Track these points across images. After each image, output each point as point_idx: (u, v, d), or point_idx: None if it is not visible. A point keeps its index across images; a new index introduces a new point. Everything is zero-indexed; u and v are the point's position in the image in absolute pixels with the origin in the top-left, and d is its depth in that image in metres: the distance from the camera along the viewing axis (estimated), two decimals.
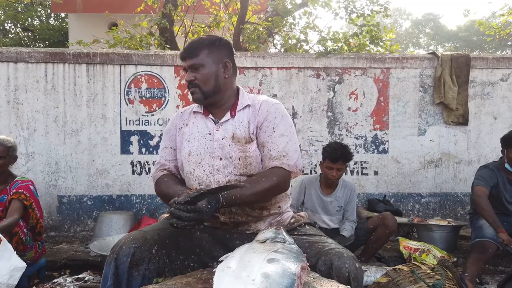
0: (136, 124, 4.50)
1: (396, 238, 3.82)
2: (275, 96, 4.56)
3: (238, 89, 1.81)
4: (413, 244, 3.53)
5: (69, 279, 2.50)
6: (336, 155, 3.10)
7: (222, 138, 1.68)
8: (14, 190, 2.84)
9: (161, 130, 4.47)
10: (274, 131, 1.67)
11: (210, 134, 1.71)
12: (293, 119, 4.56)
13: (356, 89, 4.62)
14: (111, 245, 3.14)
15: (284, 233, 1.40)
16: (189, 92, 1.78)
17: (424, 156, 4.63)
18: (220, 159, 1.67)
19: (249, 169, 1.66)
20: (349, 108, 4.61)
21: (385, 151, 4.62)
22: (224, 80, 1.72)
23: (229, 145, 1.66)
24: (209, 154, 1.68)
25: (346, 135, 4.59)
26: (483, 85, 4.68)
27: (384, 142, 4.61)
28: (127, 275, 1.39)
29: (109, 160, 4.48)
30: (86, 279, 2.51)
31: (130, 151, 4.49)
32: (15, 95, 4.41)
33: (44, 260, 3.14)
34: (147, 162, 4.49)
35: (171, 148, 1.83)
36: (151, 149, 4.49)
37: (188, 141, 1.74)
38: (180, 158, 1.77)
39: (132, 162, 4.50)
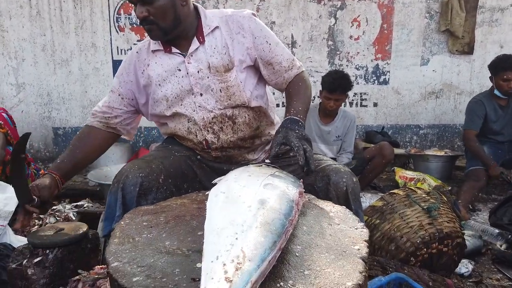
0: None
1: (392, 168, 3.85)
2: (273, 23, 4.33)
3: (196, 9, 1.54)
4: (409, 173, 3.56)
5: (68, 206, 2.53)
6: (334, 85, 3.00)
7: (198, 71, 1.50)
8: None
9: None
10: (269, 44, 1.52)
11: (180, 70, 1.51)
12: (291, 49, 4.37)
13: (359, 16, 4.37)
14: (108, 174, 3.18)
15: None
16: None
17: (425, 87, 4.52)
18: (201, 94, 1.52)
19: (233, 100, 1.52)
20: (350, 37, 4.40)
21: (385, 82, 4.49)
22: (182, 9, 1.44)
23: (208, 77, 1.50)
24: (187, 92, 1.52)
25: (347, 65, 4.43)
26: (492, 11, 4.43)
27: (385, 73, 4.47)
28: (135, 205, 1.36)
29: (102, 91, 4.36)
30: (84, 206, 2.54)
31: None
32: None
33: None
34: None
35: (118, 95, 1.61)
36: None
37: (159, 84, 1.54)
38: (153, 104, 1.59)
39: None
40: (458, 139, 4.65)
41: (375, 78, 4.48)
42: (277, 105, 4.09)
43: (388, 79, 4.48)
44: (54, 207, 2.55)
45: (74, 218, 2.35)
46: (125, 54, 4.29)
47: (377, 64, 4.45)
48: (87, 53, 4.28)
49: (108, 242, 1.01)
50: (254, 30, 1.51)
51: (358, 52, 4.42)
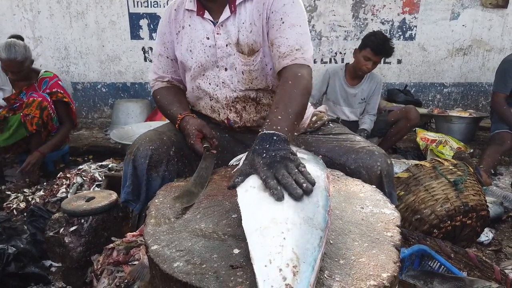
0: (145, 6, 4.18)
1: (414, 129, 3.78)
2: None
3: None
4: (430, 135, 3.51)
5: (93, 166, 2.59)
6: (382, 48, 2.85)
7: (226, 45, 1.41)
8: (48, 91, 2.83)
9: None
10: (282, 22, 1.34)
11: (208, 38, 1.43)
12: (314, 1, 4.16)
13: None
14: (130, 134, 3.22)
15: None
16: None
17: (453, 43, 4.32)
18: (226, 69, 1.44)
19: (255, 84, 1.44)
20: None
21: (411, 38, 4.30)
22: None
23: (234, 55, 1.41)
24: (213, 63, 1.44)
25: (372, 19, 4.22)
26: None
27: (412, 28, 4.26)
28: (146, 176, 1.38)
29: (119, 45, 4.30)
30: (109, 166, 2.60)
31: (141, 36, 4.27)
32: None
33: (67, 146, 3.24)
34: None
35: (167, 57, 1.56)
36: None
37: (190, 51, 1.47)
38: (183, 70, 1.54)
39: (143, 48, 4.31)
40: (483, 98, 4.51)
41: (400, 33, 4.27)
42: None
43: (415, 34, 4.28)
44: (80, 167, 2.62)
45: (100, 179, 2.42)
46: (141, 6, 4.16)
47: (404, 18, 4.23)
48: (103, 5, 4.17)
49: (143, 220, 1.03)
50: (276, 4, 1.36)
51: (385, 5, 4.19)
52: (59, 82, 2.93)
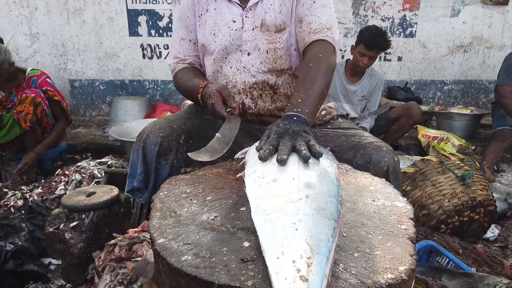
0: (143, 3, 4.13)
1: (415, 126, 3.77)
2: None
3: None
4: (432, 132, 3.49)
5: (92, 163, 2.55)
6: (374, 42, 2.82)
7: (253, 29, 1.42)
8: (38, 89, 2.76)
9: (171, 10, 4.13)
10: (314, 1, 1.37)
11: (234, 22, 1.44)
12: None
13: None
14: (129, 130, 3.18)
15: None
16: None
17: (454, 40, 4.30)
18: (248, 54, 1.45)
19: (278, 63, 1.45)
20: None
21: (412, 35, 4.28)
22: None
23: (258, 36, 1.42)
24: (236, 47, 1.45)
25: (372, 16, 4.20)
26: None
27: (413, 25, 4.24)
28: (155, 164, 1.37)
29: (117, 42, 4.25)
30: (108, 163, 2.56)
31: (139, 33, 4.23)
32: None
33: (65, 144, 3.20)
34: (157, 45, 4.25)
35: (190, 41, 1.55)
36: (160, 31, 4.21)
37: (214, 34, 1.47)
38: (203, 54, 1.54)
39: (142, 45, 4.27)
40: (483, 95, 4.49)
41: (401, 30, 4.25)
42: None
43: (415, 31, 4.26)
44: (79, 164, 2.58)
45: (99, 176, 2.38)
46: (139, 3, 4.12)
47: (404, 15, 4.21)
48: (101, 1, 4.12)
49: (144, 216, 1.00)
50: None
51: (385, 2, 4.17)
52: (48, 79, 2.87)
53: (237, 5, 1.44)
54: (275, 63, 1.45)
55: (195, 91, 1.38)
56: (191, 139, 1.45)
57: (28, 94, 2.62)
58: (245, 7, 1.43)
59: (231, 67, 1.48)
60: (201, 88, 1.35)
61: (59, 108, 2.89)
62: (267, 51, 1.43)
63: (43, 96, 2.71)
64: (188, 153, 1.13)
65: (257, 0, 1.42)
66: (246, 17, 1.43)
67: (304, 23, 1.37)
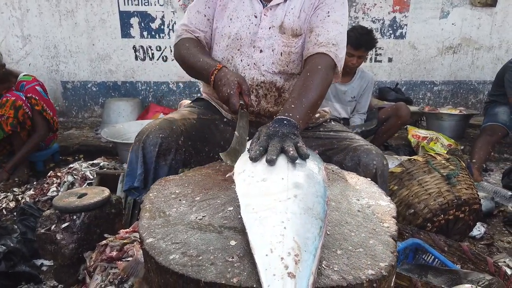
0: (135, 4, 4.14)
1: (405, 126, 3.81)
2: None
3: None
4: (422, 132, 3.54)
5: (84, 165, 2.56)
6: (360, 41, 2.85)
7: (269, 28, 1.44)
8: (23, 95, 2.74)
9: (163, 12, 4.15)
10: (328, 15, 1.41)
11: (256, 17, 1.46)
12: None
13: None
14: (121, 132, 3.19)
15: None
16: None
17: (443, 41, 4.36)
18: (261, 51, 1.46)
19: (290, 67, 1.47)
20: None
21: (402, 36, 4.33)
22: None
23: (275, 36, 1.45)
24: (250, 42, 1.47)
25: (363, 18, 4.25)
26: None
27: (403, 26, 4.29)
28: (154, 164, 1.38)
29: (109, 44, 4.26)
30: (101, 164, 2.57)
31: (131, 35, 4.23)
32: None
33: (57, 145, 3.20)
34: (150, 47, 4.27)
35: (205, 16, 1.52)
36: (153, 33, 4.22)
37: (231, 19, 1.48)
38: (216, 36, 1.52)
39: (134, 47, 4.28)
40: (472, 96, 4.56)
41: (391, 31, 4.31)
42: None
43: (405, 33, 4.32)
44: (71, 165, 2.59)
45: (91, 177, 2.39)
46: (131, 4, 4.13)
47: (395, 17, 4.26)
48: (93, 3, 4.12)
49: (136, 217, 1.02)
50: None
51: (375, 4, 4.22)
52: (37, 87, 2.84)
53: (259, 2, 1.47)
54: (287, 66, 1.47)
55: (205, 70, 1.36)
56: (190, 140, 1.47)
57: (8, 98, 2.60)
58: (267, 5, 1.46)
59: (241, 60, 1.49)
60: (216, 70, 1.34)
61: (40, 118, 2.81)
62: (281, 53, 1.45)
63: (24, 99, 2.68)
64: (220, 153, 1.19)
65: (280, 1, 1.45)
66: (264, 15, 1.46)
67: (313, 33, 1.41)
